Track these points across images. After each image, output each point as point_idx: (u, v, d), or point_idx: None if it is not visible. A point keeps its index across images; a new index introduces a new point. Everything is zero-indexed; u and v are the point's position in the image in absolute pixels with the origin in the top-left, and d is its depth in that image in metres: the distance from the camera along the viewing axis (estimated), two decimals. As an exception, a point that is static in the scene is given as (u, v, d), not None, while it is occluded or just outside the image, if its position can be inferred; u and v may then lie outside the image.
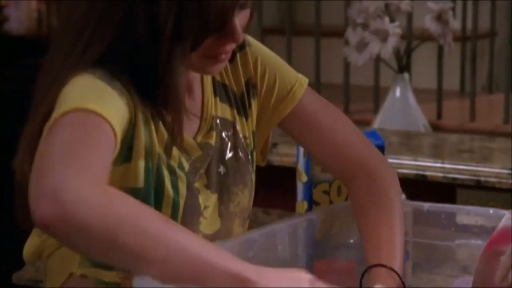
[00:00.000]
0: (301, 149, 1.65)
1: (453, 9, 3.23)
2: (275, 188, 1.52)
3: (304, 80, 1.47)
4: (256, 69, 1.45)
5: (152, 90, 1.27)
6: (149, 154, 1.29)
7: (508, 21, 3.78)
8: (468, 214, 1.55)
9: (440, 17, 3.07)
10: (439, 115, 3.76)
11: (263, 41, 1.84)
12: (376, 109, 3.50)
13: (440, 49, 3.62)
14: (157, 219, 1.09)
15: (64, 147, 1.10)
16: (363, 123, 3.05)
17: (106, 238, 1.05)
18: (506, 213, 1.45)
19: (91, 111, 1.15)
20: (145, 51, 1.25)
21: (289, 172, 1.78)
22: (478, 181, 2.39)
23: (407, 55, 3.23)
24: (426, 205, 1.55)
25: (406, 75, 3.20)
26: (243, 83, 1.44)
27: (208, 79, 1.41)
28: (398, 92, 3.20)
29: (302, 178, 1.66)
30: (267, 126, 1.49)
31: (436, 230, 1.53)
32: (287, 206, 1.88)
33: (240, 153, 1.43)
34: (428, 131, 3.20)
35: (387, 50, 2.91)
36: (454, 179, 2.44)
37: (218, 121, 1.41)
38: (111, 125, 1.16)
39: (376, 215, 1.41)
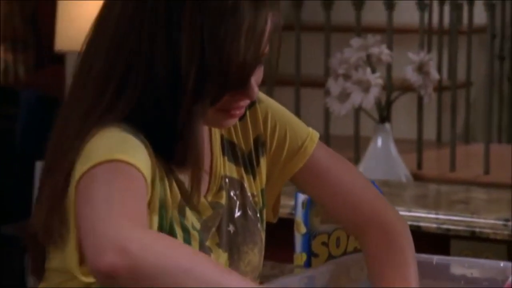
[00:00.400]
0: (300, 200, 1.61)
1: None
2: (269, 239, 1.50)
3: (315, 135, 1.47)
4: (266, 126, 1.45)
5: (171, 147, 1.28)
6: (163, 210, 1.29)
7: (483, 71, 3.81)
8: (476, 267, 1.53)
9: (421, 68, 3.08)
10: (419, 165, 3.75)
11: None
12: (357, 159, 3.47)
13: (420, 100, 3.61)
14: (213, 265, 1.13)
15: (110, 197, 1.14)
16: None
17: (170, 283, 1.09)
18: None
19: (125, 162, 1.17)
20: (165, 108, 1.26)
21: (284, 223, 1.73)
22: (473, 232, 2.37)
23: (388, 106, 3.22)
24: (435, 258, 1.53)
25: (387, 125, 3.22)
26: (251, 140, 1.44)
27: (216, 137, 1.41)
28: (379, 142, 3.22)
29: (301, 230, 1.63)
30: (278, 182, 1.48)
31: (446, 283, 1.52)
32: (281, 257, 1.87)
33: (249, 212, 1.43)
34: (409, 181, 3.20)
35: (369, 101, 2.95)
36: (448, 230, 2.41)
37: (226, 180, 1.40)
38: (143, 175, 1.18)
39: (392, 269, 1.41)
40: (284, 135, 1.45)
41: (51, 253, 1.30)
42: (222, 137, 1.42)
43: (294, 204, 1.64)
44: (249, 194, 1.43)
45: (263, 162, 1.45)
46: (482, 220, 2.41)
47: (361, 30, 3.52)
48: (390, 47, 3.28)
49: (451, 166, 3.73)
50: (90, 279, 1.20)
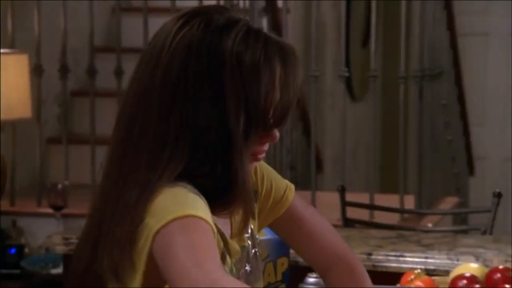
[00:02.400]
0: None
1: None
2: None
3: (292, 186, 1.66)
4: (257, 177, 1.61)
5: (221, 195, 1.42)
6: None
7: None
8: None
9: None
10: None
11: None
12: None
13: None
14: None
15: (194, 248, 1.29)
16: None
17: None
18: None
19: (197, 216, 1.32)
20: (218, 159, 1.40)
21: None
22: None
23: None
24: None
25: None
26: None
27: None
28: None
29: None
30: (261, 226, 1.66)
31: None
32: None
33: (258, 252, 1.60)
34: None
35: None
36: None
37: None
38: (212, 227, 1.34)
39: None
40: (271, 186, 1.63)
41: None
42: None
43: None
44: (256, 235, 1.62)
45: (256, 207, 1.61)
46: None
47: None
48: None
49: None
50: None
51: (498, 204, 2.77)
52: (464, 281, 1.99)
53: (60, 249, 2.63)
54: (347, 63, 4.41)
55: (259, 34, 1.45)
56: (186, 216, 1.33)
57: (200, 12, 1.47)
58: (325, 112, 5.23)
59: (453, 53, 4.93)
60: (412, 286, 2.01)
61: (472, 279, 1.99)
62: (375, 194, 3.66)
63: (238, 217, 1.51)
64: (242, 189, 1.43)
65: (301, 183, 4.39)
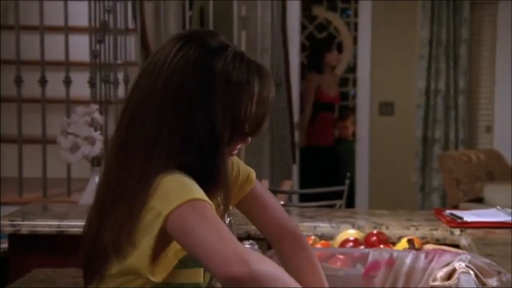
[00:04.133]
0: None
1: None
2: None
3: (253, 171, 1.86)
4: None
5: (208, 182, 1.57)
6: None
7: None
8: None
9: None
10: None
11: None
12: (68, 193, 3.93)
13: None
14: (293, 281, 1.47)
15: (213, 226, 1.45)
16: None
17: (271, 285, 1.41)
18: (371, 251, 1.97)
19: (202, 200, 1.49)
20: (206, 156, 1.57)
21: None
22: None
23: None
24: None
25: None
26: None
27: None
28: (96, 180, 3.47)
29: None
30: (233, 201, 1.83)
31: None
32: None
33: (231, 220, 1.82)
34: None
35: (95, 151, 3.41)
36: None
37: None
38: (213, 208, 1.50)
39: (307, 265, 1.82)
40: (238, 170, 1.82)
41: (113, 262, 1.57)
42: None
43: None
44: (230, 207, 1.79)
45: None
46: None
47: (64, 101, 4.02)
48: (100, 113, 3.72)
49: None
50: (156, 278, 1.53)
51: (350, 185, 3.37)
52: (351, 243, 2.38)
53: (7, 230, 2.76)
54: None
55: (242, 57, 1.61)
56: (195, 199, 1.48)
57: (195, 36, 1.62)
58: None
59: (285, 67, 5.38)
60: (317, 246, 2.36)
61: (356, 241, 2.40)
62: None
63: (216, 200, 1.63)
64: (223, 179, 1.62)
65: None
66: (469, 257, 1.83)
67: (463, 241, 2.52)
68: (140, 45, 4.44)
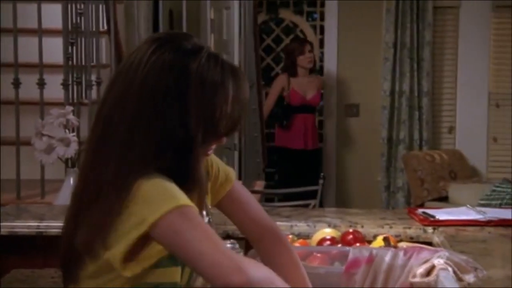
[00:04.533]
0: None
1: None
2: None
3: (233, 171, 1.88)
4: (207, 163, 1.81)
5: (184, 183, 1.56)
6: None
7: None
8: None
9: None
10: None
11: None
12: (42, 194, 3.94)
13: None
14: (284, 283, 1.51)
15: (206, 233, 1.47)
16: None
17: None
18: (351, 249, 2.01)
19: (188, 206, 1.49)
20: (181, 157, 1.57)
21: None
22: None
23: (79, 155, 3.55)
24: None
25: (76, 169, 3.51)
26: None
27: None
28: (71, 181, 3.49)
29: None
30: (213, 200, 1.85)
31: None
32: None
33: (210, 219, 1.80)
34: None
35: (70, 152, 3.42)
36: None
37: None
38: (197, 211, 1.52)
39: (289, 265, 1.85)
40: (218, 170, 1.84)
41: (87, 263, 1.57)
42: None
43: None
44: (209, 206, 1.82)
45: (209, 185, 1.82)
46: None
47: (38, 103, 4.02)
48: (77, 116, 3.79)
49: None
50: (128, 274, 1.53)
51: (323, 185, 3.41)
52: (328, 242, 2.38)
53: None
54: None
55: (217, 59, 1.61)
56: (181, 206, 1.48)
57: (170, 38, 1.62)
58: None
59: (256, 69, 5.42)
60: (296, 245, 2.36)
61: (333, 240, 2.40)
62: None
63: (194, 201, 1.58)
64: (197, 180, 1.61)
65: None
66: (447, 254, 1.88)
67: (436, 239, 2.56)
68: (114, 47, 4.42)
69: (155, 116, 1.55)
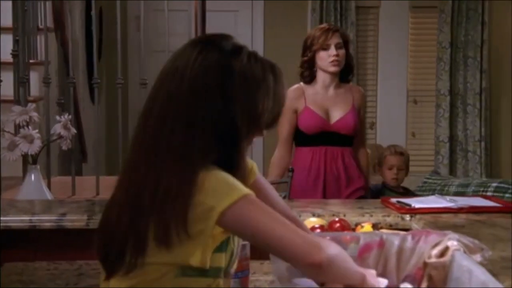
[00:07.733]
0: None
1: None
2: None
3: (255, 164, 1.93)
4: None
5: (232, 171, 1.64)
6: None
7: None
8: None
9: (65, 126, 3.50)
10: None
11: None
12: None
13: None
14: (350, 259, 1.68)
15: (276, 218, 1.59)
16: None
17: (343, 265, 1.61)
18: (361, 234, 2.04)
19: (250, 194, 1.60)
20: (229, 150, 1.65)
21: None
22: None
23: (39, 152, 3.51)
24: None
25: (38, 166, 3.50)
26: None
27: None
28: (33, 177, 3.50)
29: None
30: None
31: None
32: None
33: None
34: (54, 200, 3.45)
35: (34, 149, 3.43)
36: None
37: None
38: None
39: None
40: None
41: (154, 251, 1.61)
42: None
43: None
44: None
45: None
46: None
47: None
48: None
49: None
50: (196, 263, 1.60)
51: (292, 177, 3.47)
52: (318, 230, 2.46)
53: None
54: (91, 73, 4.74)
55: (256, 56, 1.70)
56: (247, 195, 1.59)
57: (211, 40, 1.71)
58: (82, 113, 5.55)
59: None
60: None
61: (322, 228, 2.49)
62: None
63: None
64: (243, 170, 1.70)
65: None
66: (456, 236, 1.97)
67: (415, 225, 2.66)
68: (59, 44, 4.38)
69: (207, 112, 1.63)
